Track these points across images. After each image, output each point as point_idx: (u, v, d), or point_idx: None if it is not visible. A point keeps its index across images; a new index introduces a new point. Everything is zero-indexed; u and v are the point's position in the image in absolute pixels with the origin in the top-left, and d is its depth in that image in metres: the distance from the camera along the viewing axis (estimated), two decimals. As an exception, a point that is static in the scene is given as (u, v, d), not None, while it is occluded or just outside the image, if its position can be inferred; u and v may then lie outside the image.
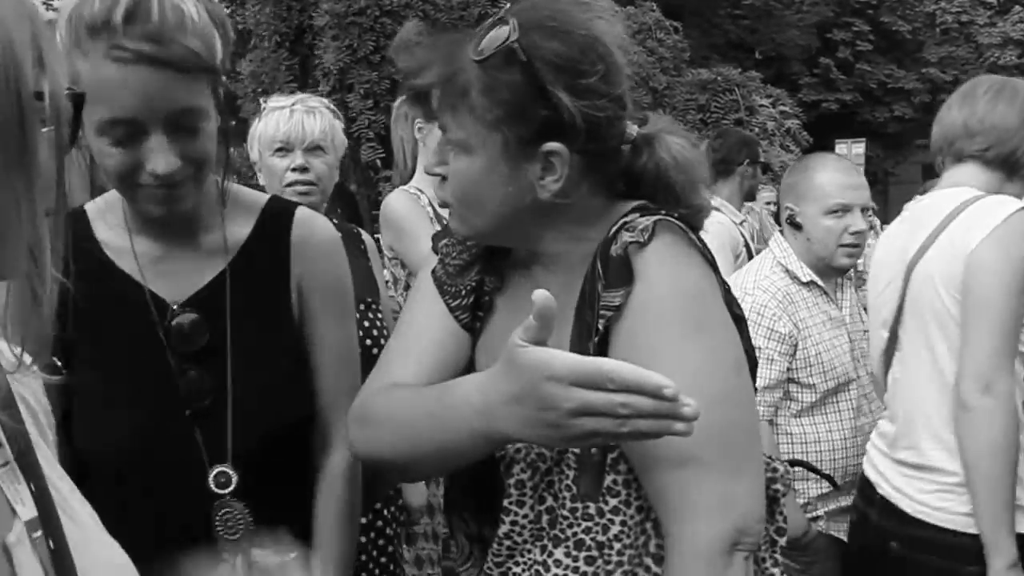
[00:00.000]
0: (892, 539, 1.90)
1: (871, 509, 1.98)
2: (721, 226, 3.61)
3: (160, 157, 1.14)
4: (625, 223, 1.11)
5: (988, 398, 1.71)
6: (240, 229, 1.34)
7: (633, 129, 1.17)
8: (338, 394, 1.37)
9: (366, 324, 2.27)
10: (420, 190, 2.73)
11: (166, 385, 1.25)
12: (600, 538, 1.08)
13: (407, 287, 2.70)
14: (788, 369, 2.23)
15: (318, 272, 1.38)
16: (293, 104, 2.36)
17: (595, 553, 1.08)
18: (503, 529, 1.13)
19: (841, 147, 16.13)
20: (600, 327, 1.05)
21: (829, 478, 2.13)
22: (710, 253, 1.14)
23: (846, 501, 2.23)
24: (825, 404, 2.26)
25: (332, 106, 2.48)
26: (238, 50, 15.22)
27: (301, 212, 1.40)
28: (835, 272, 2.37)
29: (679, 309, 1.06)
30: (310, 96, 2.50)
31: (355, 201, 14.11)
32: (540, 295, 0.89)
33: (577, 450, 1.05)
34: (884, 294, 2.00)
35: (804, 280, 2.30)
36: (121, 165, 1.16)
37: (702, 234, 1.22)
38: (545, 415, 0.90)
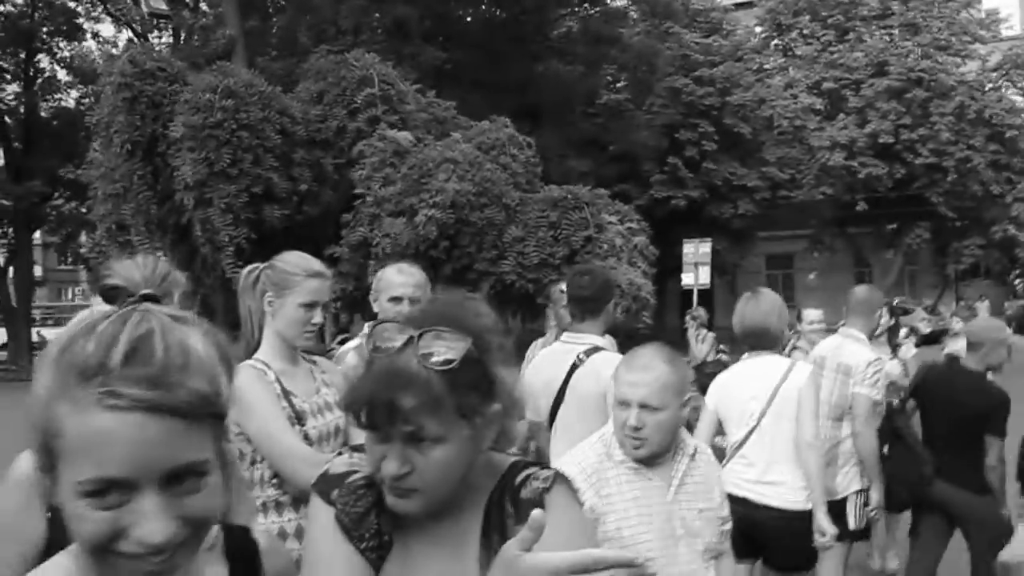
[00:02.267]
0: None
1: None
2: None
3: (153, 523, 0.94)
4: (529, 474, 1.42)
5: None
6: (216, 573, 1.21)
7: None
8: None
9: None
10: (267, 364, 2.77)
11: None
12: None
13: (252, 462, 2.73)
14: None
15: None
16: None
17: None
18: None
19: (688, 246, 16.93)
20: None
21: None
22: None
23: None
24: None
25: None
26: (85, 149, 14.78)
27: (263, 540, 1.30)
28: (634, 456, 2.46)
29: (574, 532, 1.36)
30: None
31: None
32: (537, 514, 1.11)
33: None
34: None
35: (618, 458, 2.43)
36: (101, 532, 0.95)
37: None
38: None
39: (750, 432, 3.75)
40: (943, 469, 4.37)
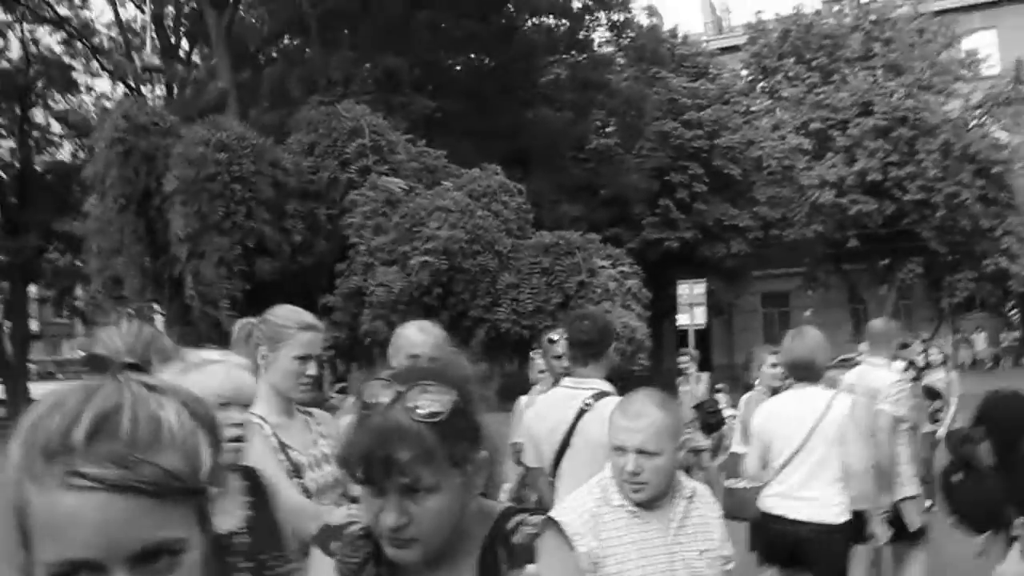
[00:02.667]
0: None
1: None
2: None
3: None
4: (520, 520, 1.47)
5: None
6: None
7: None
8: None
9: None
10: (263, 418, 2.76)
11: None
12: None
13: None
14: None
15: None
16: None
17: None
18: None
19: (683, 287, 16.93)
20: None
21: None
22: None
23: None
24: None
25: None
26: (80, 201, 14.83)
27: None
28: (634, 500, 2.48)
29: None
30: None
31: None
32: (531, 570, 1.25)
33: None
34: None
35: (616, 503, 2.44)
36: None
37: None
38: None
39: (793, 455, 4.07)
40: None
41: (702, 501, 2.58)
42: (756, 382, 5.62)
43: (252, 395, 2.32)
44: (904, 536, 4.67)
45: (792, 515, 4.00)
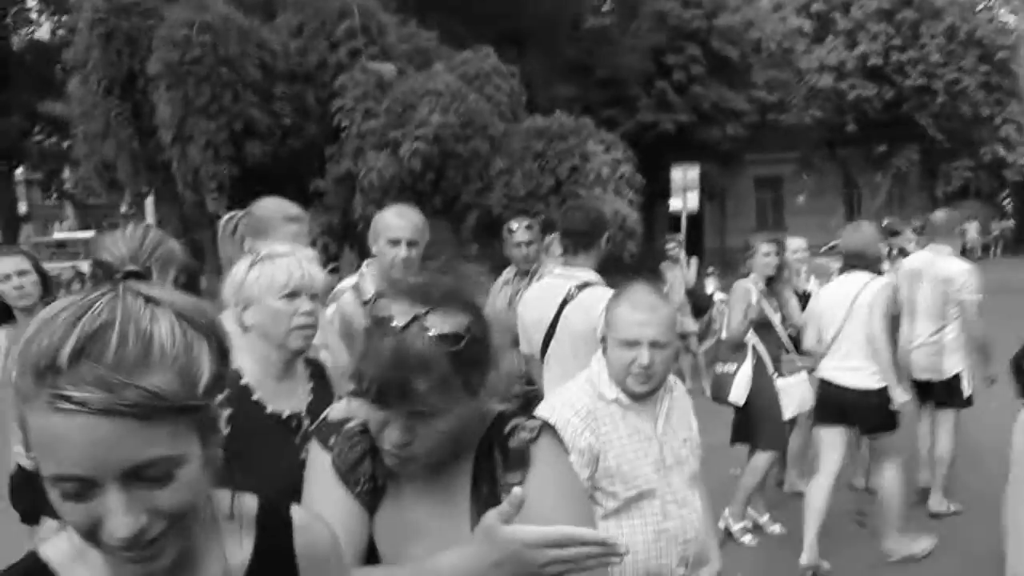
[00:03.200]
0: None
1: None
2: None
3: (119, 520, 0.92)
4: (516, 425, 1.50)
5: None
6: (239, 549, 1.17)
7: None
8: None
9: None
10: None
11: None
12: None
13: None
14: (590, 477, 2.40)
15: None
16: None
17: None
18: None
19: (677, 171, 16.83)
20: (501, 499, 1.36)
21: None
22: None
23: None
24: (630, 509, 2.43)
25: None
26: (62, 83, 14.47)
27: (298, 517, 1.24)
28: (633, 394, 2.50)
29: (561, 482, 1.49)
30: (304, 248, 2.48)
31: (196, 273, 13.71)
32: (518, 491, 1.25)
33: None
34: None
35: (610, 397, 2.47)
36: (79, 523, 0.95)
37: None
38: (523, 570, 1.27)
39: (838, 332, 4.84)
40: None
41: (679, 394, 2.64)
42: (751, 271, 5.66)
43: (320, 286, 2.35)
44: (953, 403, 5.60)
45: (840, 382, 4.83)
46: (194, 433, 0.97)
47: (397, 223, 3.54)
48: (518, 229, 5.10)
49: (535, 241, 5.08)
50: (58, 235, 32.36)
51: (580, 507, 1.53)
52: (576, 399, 2.49)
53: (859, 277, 4.86)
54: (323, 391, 2.40)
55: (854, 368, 4.78)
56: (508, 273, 5.20)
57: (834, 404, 4.83)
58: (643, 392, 2.50)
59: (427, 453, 1.42)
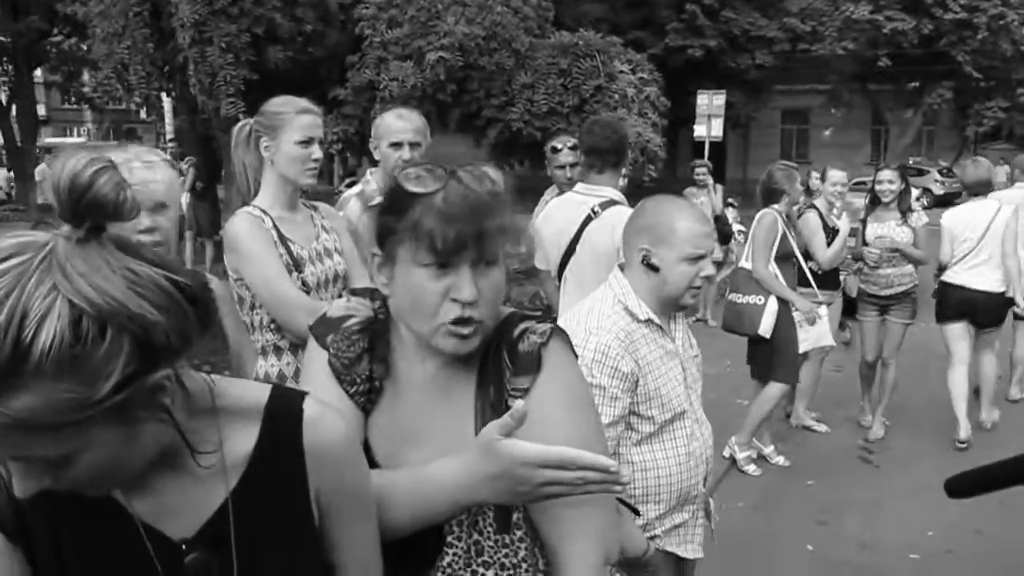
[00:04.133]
0: None
1: None
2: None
3: (16, 483, 0.92)
4: (526, 328, 1.41)
5: None
6: (242, 442, 1.13)
7: None
8: None
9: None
10: (264, 211, 2.78)
11: None
12: (513, 560, 1.41)
13: (252, 307, 2.78)
14: (630, 403, 2.33)
15: (338, 479, 1.20)
16: (130, 160, 2.17)
17: (512, 572, 1.41)
18: (446, 560, 1.41)
19: (703, 97, 16.53)
20: (508, 404, 1.33)
21: (633, 508, 2.22)
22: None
23: (679, 518, 2.43)
24: (663, 433, 2.38)
25: (166, 156, 2.41)
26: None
27: (309, 410, 1.18)
28: (676, 309, 2.47)
29: (571, 391, 1.42)
30: (146, 149, 2.33)
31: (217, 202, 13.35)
32: (520, 404, 1.21)
33: None
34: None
35: (642, 318, 2.38)
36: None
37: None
38: (519, 487, 1.24)
39: (973, 246, 5.93)
40: None
41: (678, 314, 2.56)
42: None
43: (162, 193, 2.18)
44: None
45: (970, 285, 5.96)
46: (102, 423, 0.89)
47: (399, 125, 3.45)
48: (563, 149, 4.75)
49: (579, 163, 4.60)
50: (75, 140, 32.24)
51: (588, 418, 1.45)
52: (611, 321, 2.36)
53: (989, 203, 6.01)
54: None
55: (985, 275, 5.91)
56: (548, 195, 4.93)
57: (960, 303, 5.99)
58: (689, 305, 2.49)
59: (487, 317, 1.35)
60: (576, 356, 1.48)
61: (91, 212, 0.90)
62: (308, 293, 2.75)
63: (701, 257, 2.36)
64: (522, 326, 1.43)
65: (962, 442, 5.74)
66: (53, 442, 0.87)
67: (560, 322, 2.50)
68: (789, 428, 6.22)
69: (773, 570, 4.25)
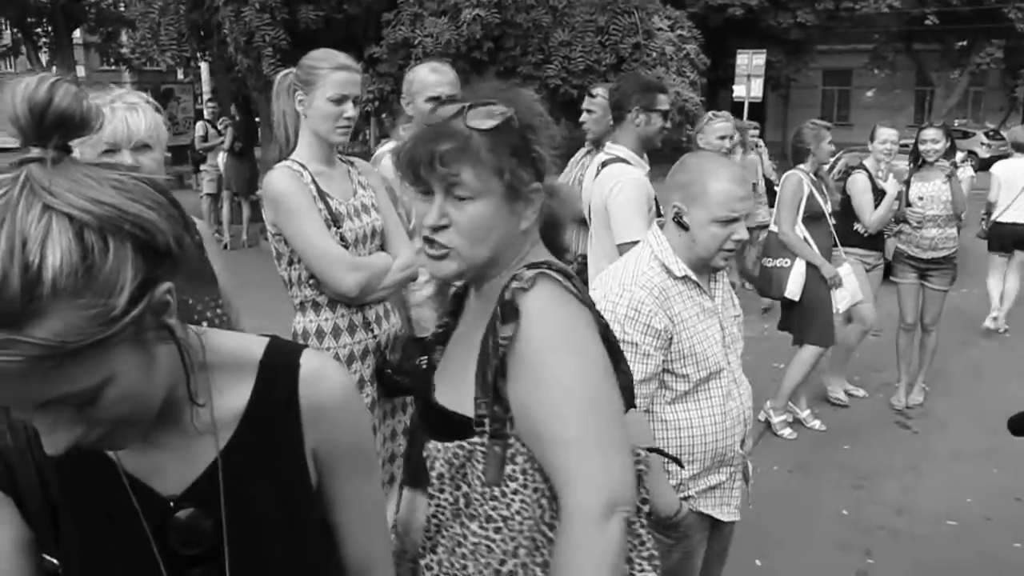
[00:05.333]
0: None
1: None
2: (635, 181, 3.61)
3: (46, 440, 0.89)
4: (516, 274, 1.41)
5: None
6: (234, 398, 1.10)
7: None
8: (370, 562, 1.26)
9: (208, 319, 2.32)
10: (303, 165, 2.77)
11: None
12: (504, 512, 1.39)
13: (290, 262, 2.77)
14: (663, 361, 2.30)
15: (337, 434, 1.15)
16: (112, 101, 2.19)
17: (501, 525, 1.40)
18: (430, 511, 1.44)
19: (742, 57, 16.21)
20: (501, 354, 1.36)
21: (676, 460, 2.13)
22: (584, 294, 1.46)
23: (715, 479, 2.40)
24: (698, 392, 2.35)
25: (151, 99, 2.34)
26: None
27: (307, 364, 1.14)
28: (708, 270, 2.43)
29: (554, 338, 1.37)
30: (128, 91, 2.34)
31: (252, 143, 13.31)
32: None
33: (484, 448, 1.38)
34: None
35: (679, 275, 2.34)
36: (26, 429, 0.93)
37: (626, 187, 3.19)
38: None
39: (1020, 192, 7.46)
40: None
41: (720, 274, 2.52)
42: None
43: (144, 134, 2.19)
44: None
45: (1020, 220, 7.51)
46: (123, 346, 0.87)
47: (435, 78, 3.42)
48: (597, 96, 4.66)
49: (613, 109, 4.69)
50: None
51: (580, 361, 1.37)
52: (646, 277, 2.33)
53: None
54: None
55: None
56: (580, 154, 4.88)
57: (1011, 236, 7.63)
58: (725, 267, 2.43)
59: (460, 247, 1.41)
60: (575, 296, 1.43)
61: (56, 127, 0.86)
62: (346, 248, 2.75)
63: (734, 220, 2.31)
64: (515, 274, 1.43)
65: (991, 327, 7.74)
66: (80, 372, 0.84)
67: (597, 278, 2.49)
68: (824, 392, 6.16)
69: (809, 533, 4.22)
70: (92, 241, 0.82)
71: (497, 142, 1.37)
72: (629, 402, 1.51)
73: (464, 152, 1.36)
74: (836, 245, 5.47)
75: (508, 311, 1.37)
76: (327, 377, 1.14)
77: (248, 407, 1.09)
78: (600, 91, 4.69)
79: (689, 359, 2.31)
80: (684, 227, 2.35)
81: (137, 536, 1.03)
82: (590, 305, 1.46)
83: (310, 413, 1.11)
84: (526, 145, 1.41)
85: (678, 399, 2.34)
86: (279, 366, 1.12)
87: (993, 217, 7.67)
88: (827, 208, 5.32)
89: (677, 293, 2.33)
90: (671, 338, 2.29)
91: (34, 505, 1.01)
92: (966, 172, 5.85)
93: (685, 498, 2.37)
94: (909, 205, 5.77)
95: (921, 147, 5.78)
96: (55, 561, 1.01)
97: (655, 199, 3.62)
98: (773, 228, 5.33)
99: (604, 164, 3.79)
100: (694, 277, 2.36)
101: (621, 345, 1.99)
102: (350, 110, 2.78)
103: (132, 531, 1.03)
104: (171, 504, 1.05)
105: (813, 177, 5.33)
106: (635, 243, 3.47)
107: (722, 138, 5.26)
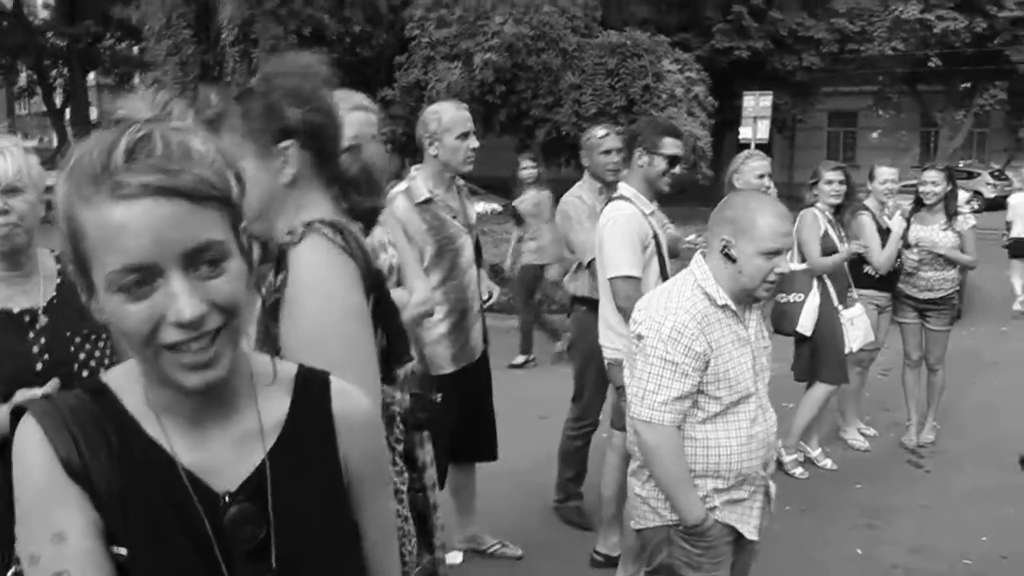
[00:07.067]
0: None
1: None
2: (627, 217, 3.75)
3: (183, 301, 0.98)
4: (290, 229, 1.59)
5: None
6: (276, 406, 1.20)
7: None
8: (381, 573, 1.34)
9: None
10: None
11: None
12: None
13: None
14: (699, 382, 2.49)
15: (363, 447, 1.25)
16: None
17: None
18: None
19: (749, 99, 16.35)
20: (273, 300, 1.55)
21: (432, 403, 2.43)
22: (355, 247, 1.62)
23: (737, 495, 2.57)
24: (727, 414, 2.53)
25: (22, 142, 2.45)
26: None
27: (335, 381, 1.26)
28: (751, 300, 2.60)
29: (313, 283, 1.55)
30: (2, 136, 2.44)
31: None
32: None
33: None
34: None
35: (720, 303, 2.52)
36: (141, 323, 0.99)
37: (616, 223, 3.51)
38: None
39: None
40: None
41: (755, 305, 2.68)
42: (816, 199, 5.45)
43: (12, 177, 2.26)
44: None
45: None
46: (233, 234, 1.05)
47: (464, 115, 3.73)
48: (608, 135, 4.54)
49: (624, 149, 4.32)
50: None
51: (329, 307, 1.56)
52: (690, 303, 2.52)
53: None
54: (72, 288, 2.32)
55: None
56: (579, 189, 4.70)
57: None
58: (768, 298, 2.70)
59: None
60: (343, 250, 1.60)
61: None
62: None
63: (777, 252, 2.49)
64: (290, 230, 1.62)
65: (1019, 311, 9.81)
66: (218, 224, 1.02)
67: (642, 299, 2.73)
68: (836, 431, 6.15)
69: (823, 573, 4.21)
70: (211, 144, 1.07)
71: (246, 111, 1.62)
72: (400, 352, 1.79)
73: (219, 121, 1.58)
74: (851, 286, 5.49)
75: (279, 261, 1.57)
76: (355, 393, 1.27)
77: (289, 414, 1.20)
78: (617, 127, 4.82)
79: (723, 382, 2.50)
80: (731, 259, 2.52)
81: (197, 528, 1.10)
82: (359, 257, 1.62)
83: (342, 424, 1.22)
84: (270, 109, 1.63)
85: (709, 419, 2.53)
86: (312, 380, 1.24)
87: (1012, 234, 10.53)
88: (842, 247, 5.32)
89: (716, 320, 2.51)
90: (708, 361, 2.48)
91: (107, 497, 1.06)
92: (968, 222, 5.78)
93: (711, 509, 2.55)
94: (908, 247, 5.76)
95: (921, 188, 5.78)
96: (123, 552, 1.07)
97: (670, 234, 3.74)
98: (788, 267, 5.33)
99: (608, 202, 3.98)
100: (733, 306, 2.54)
101: (662, 363, 2.44)
102: None
103: (192, 523, 1.10)
104: (224, 499, 1.12)
105: (830, 215, 5.36)
106: (625, 278, 3.62)
107: (760, 176, 5.14)
